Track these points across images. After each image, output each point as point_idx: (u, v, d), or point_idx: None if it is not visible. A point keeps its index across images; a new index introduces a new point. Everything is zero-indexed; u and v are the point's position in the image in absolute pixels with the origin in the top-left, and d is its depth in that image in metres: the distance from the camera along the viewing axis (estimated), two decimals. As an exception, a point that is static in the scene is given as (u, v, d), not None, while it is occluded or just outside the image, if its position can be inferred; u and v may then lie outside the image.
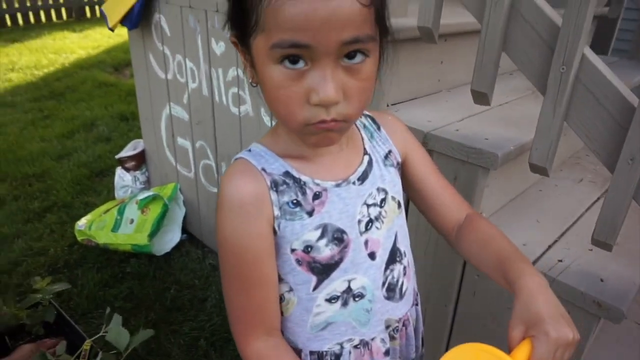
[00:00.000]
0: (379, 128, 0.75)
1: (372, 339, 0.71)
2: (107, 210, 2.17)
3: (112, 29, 1.84)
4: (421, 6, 1.05)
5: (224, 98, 1.71)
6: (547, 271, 0.97)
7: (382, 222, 0.69)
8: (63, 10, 7.14)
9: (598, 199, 1.26)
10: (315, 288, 0.66)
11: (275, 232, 0.63)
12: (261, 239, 0.62)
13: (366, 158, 0.70)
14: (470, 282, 1.11)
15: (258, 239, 0.61)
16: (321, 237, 0.64)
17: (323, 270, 0.65)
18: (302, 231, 0.63)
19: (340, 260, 0.66)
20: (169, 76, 1.94)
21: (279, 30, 0.50)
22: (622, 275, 0.97)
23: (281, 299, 0.67)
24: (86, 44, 5.90)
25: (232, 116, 1.70)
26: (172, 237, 2.12)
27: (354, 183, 0.67)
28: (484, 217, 0.76)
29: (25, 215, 2.41)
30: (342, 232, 0.65)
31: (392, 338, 0.73)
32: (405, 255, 0.74)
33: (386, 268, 0.70)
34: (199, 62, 1.74)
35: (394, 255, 0.71)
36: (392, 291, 0.71)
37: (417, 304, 0.79)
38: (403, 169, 0.77)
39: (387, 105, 1.23)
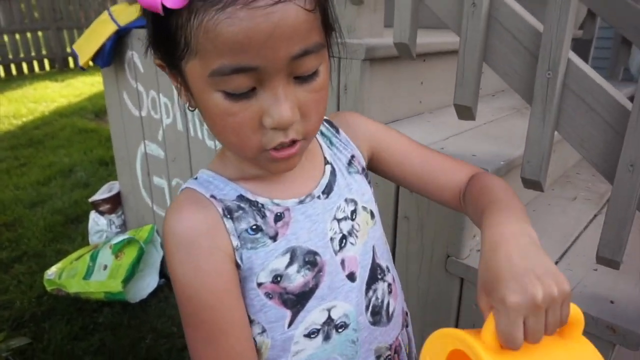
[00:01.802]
0: (337, 132, 0.68)
1: None
2: (79, 257, 2.04)
3: (83, 68, 1.79)
4: (396, 22, 1.01)
5: (199, 132, 1.64)
6: (551, 295, 0.88)
7: (356, 236, 0.61)
8: (46, 62, 7.17)
9: (595, 216, 1.19)
10: (290, 324, 0.56)
11: (238, 265, 0.54)
12: (220, 277, 0.52)
13: (328, 168, 0.63)
14: (468, 313, 1.02)
15: (216, 276, 0.52)
16: (290, 262, 0.55)
17: (297, 301, 0.56)
18: (268, 259, 0.54)
19: (316, 286, 0.56)
20: (143, 113, 1.88)
21: (217, 55, 0.43)
22: (634, 296, 0.88)
23: None
24: (67, 93, 5.88)
25: (208, 150, 1.62)
26: (149, 282, 1.99)
27: (318, 197, 0.59)
28: (488, 173, 0.66)
29: (-9, 266, 2.26)
30: (314, 253, 0.57)
31: None
32: (388, 271, 0.65)
33: (368, 289, 0.61)
34: (172, 96, 1.68)
35: (375, 273, 0.63)
36: (377, 314, 0.62)
37: (407, 326, 0.70)
38: (377, 161, 0.69)
39: (368, 127, 1.17)
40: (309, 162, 0.62)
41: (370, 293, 0.61)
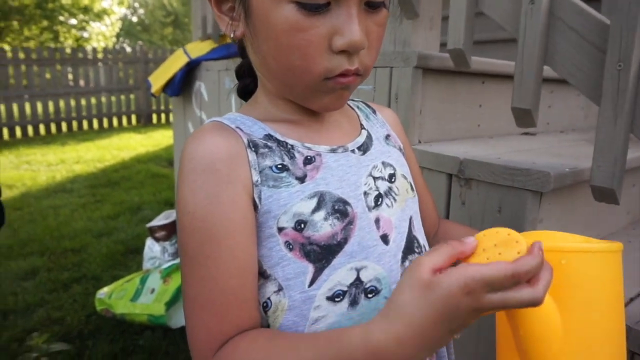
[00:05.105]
0: (374, 112, 0.67)
1: None
2: (130, 280, 2.07)
3: (154, 95, 1.92)
4: (451, 28, 0.98)
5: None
6: (633, 325, 0.73)
7: (394, 199, 0.55)
8: (133, 117, 7.90)
9: (688, 253, 1.01)
10: (312, 282, 0.49)
11: (255, 206, 0.49)
12: (236, 209, 0.47)
13: (364, 132, 0.60)
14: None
15: (232, 207, 0.47)
16: (317, 208, 0.50)
17: (322, 255, 0.49)
18: (292, 201, 0.49)
19: (345, 240, 0.50)
20: (205, 141, 1.95)
21: None
22: None
23: (266, 305, 0.50)
24: (148, 143, 6.37)
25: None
26: (192, 310, 1.96)
27: (353, 151, 0.56)
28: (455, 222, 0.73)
29: (52, 285, 2.36)
30: (345, 202, 0.51)
31: None
32: (425, 250, 0.58)
33: (404, 258, 0.54)
34: (232, 121, 1.74)
35: (412, 244, 0.56)
36: None
37: None
38: None
39: (419, 141, 1.12)
40: (344, 119, 0.60)
41: (407, 264, 0.54)
